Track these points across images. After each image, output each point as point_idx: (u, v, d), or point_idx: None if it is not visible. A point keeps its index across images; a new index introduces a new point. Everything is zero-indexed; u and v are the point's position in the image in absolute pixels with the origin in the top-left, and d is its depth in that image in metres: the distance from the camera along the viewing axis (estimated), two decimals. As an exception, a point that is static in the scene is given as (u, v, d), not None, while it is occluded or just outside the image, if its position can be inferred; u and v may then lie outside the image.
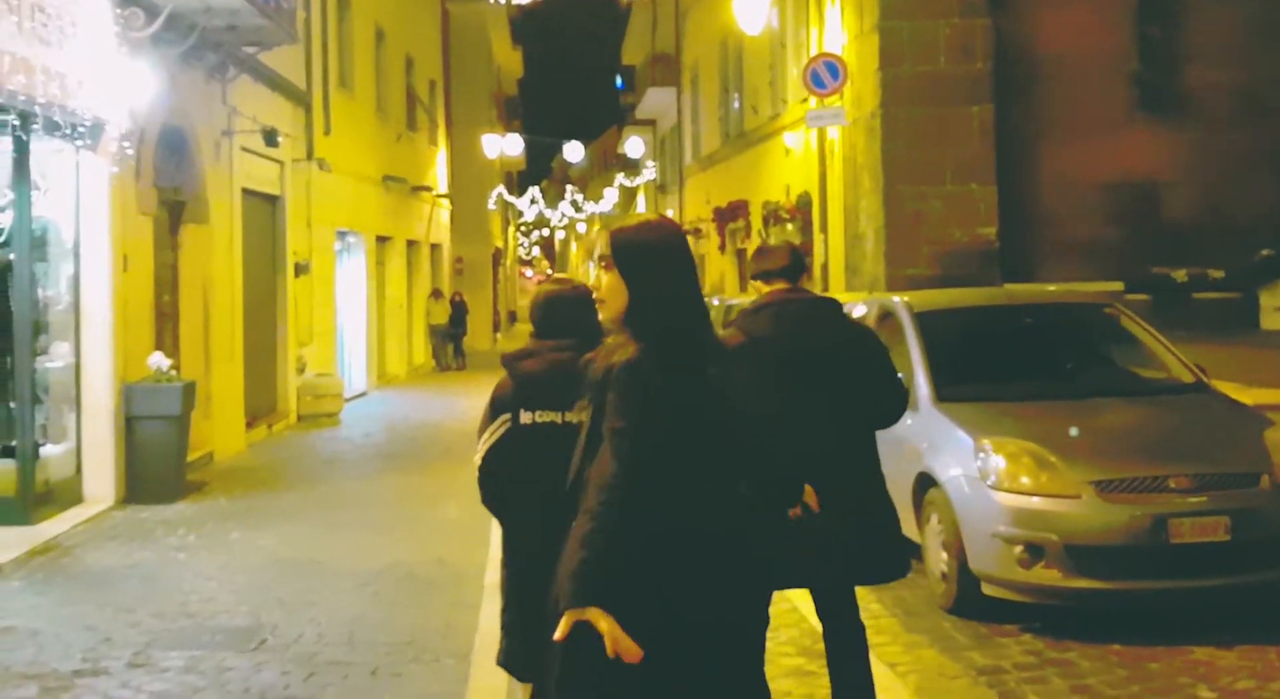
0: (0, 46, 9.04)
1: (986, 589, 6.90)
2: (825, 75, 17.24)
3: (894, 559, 5.10)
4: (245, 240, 15.55)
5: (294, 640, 6.95)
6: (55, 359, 10.98)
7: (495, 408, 4.51)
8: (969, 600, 7.00)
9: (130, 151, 11.56)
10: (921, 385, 7.73)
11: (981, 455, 6.92)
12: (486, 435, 4.49)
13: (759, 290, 5.18)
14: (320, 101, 19.57)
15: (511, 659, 4.50)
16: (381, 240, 25.00)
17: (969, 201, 16.20)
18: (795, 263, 5.16)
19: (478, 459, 4.49)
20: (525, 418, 4.42)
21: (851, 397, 4.92)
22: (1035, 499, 6.69)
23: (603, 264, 3.17)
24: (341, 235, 21.82)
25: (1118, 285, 15.98)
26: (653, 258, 3.16)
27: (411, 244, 28.29)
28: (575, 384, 3.63)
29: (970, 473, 6.94)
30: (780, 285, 5.10)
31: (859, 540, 4.78)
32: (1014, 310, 8.76)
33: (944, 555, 7.14)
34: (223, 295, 14.54)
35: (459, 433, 16.74)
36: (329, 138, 19.76)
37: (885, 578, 5.20)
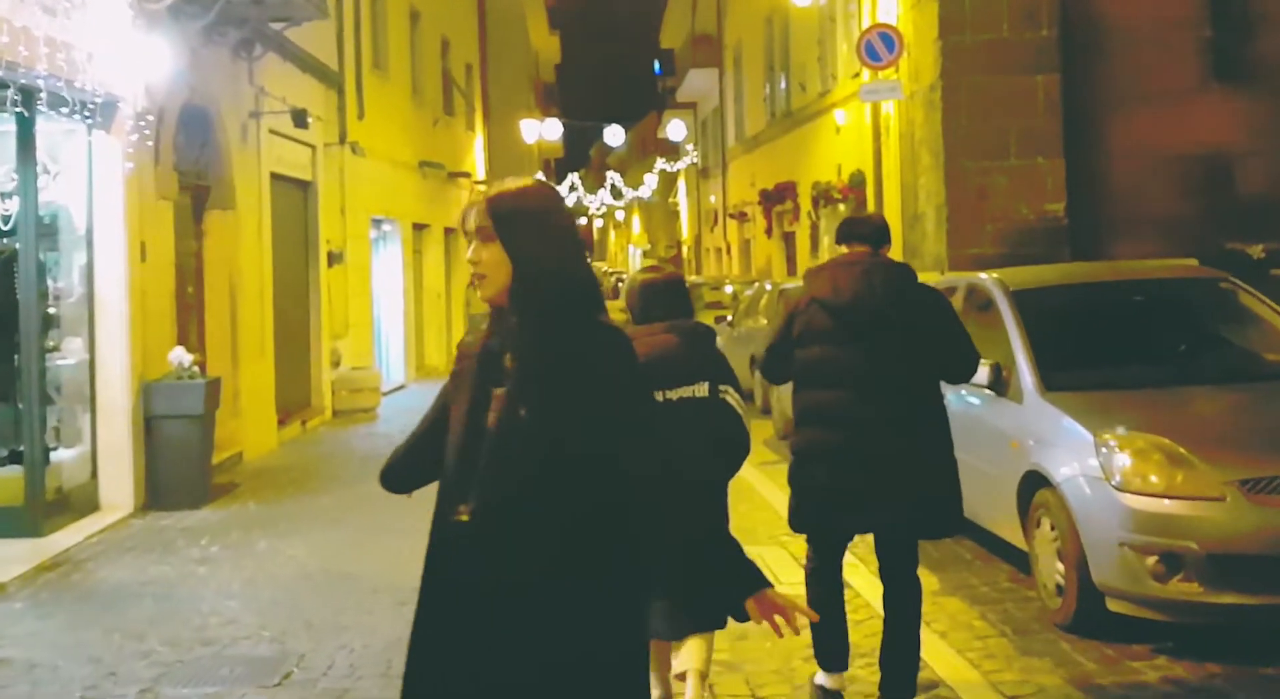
0: (-4, 14, 8.24)
1: (1112, 605, 5.96)
2: (880, 47, 16.30)
3: (945, 514, 5.18)
4: (275, 228, 14.74)
5: (323, 673, 6.10)
6: (68, 356, 10.19)
7: None
8: (1090, 617, 6.07)
9: (148, 132, 10.76)
10: (1025, 373, 6.80)
11: (1104, 451, 5.97)
12: None
13: (841, 252, 5.35)
14: (353, 83, 18.75)
15: (655, 623, 4.57)
16: (418, 228, 24.20)
17: (1035, 176, 15.14)
18: (880, 229, 5.35)
19: None
20: None
21: (905, 355, 5.03)
22: (1169, 501, 5.74)
23: (480, 237, 2.82)
24: (377, 223, 21.01)
25: (1191, 262, 14.94)
26: (537, 225, 2.83)
27: (449, 232, 27.45)
28: (674, 366, 4.51)
29: (1090, 472, 5.99)
30: (860, 248, 5.26)
31: (907, 494, 4.97)
32: (1121, 287, 7.77)
33: (1059, 566, 6.21)
34: (251, 286, 13.74)
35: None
36: (363, 122, 18.94)
37: (938, 533, 5.34)
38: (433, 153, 24.80)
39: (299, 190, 16.57)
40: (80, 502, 10.01)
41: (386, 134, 20.86)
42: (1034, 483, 6.46)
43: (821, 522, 5.18)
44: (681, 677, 4.92)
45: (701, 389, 4.86)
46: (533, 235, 2.81)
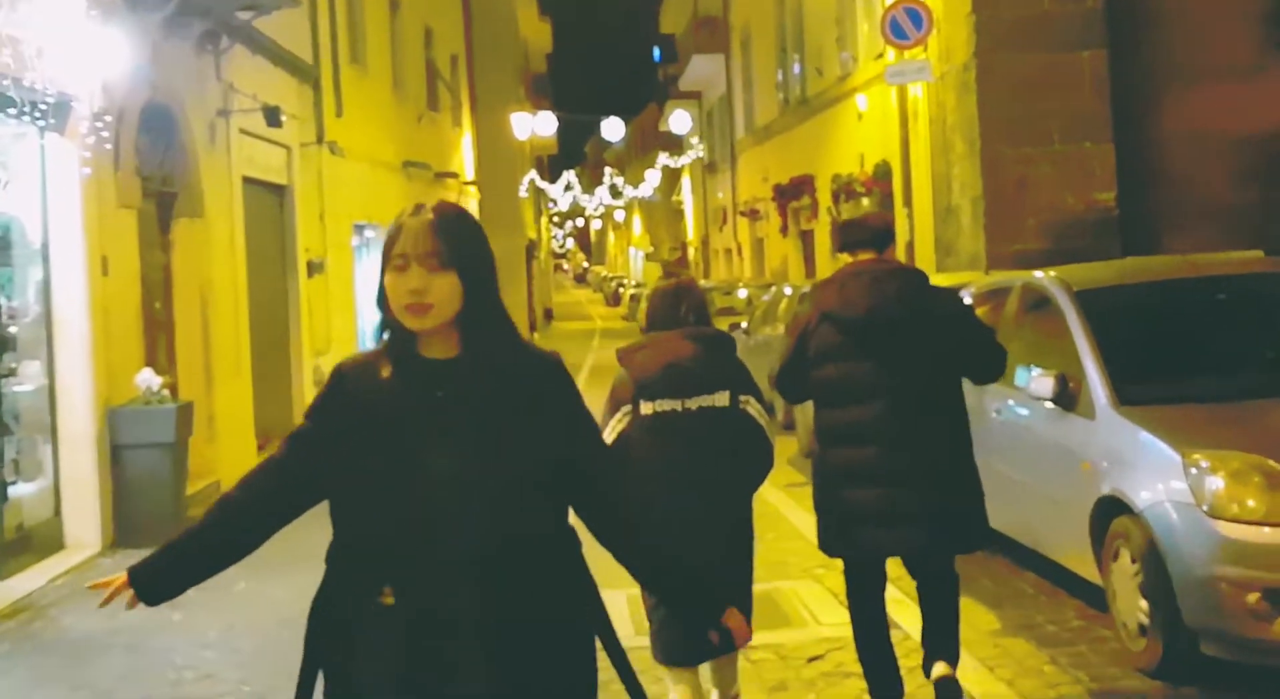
0: (-64, 5, 8.00)
1: (1206, 648, 5.67)
2: (907, 24, 16.03)
3: (973, 527, 5.35)
4: (249, 236, 14.48)
5: (311, 735, 5.81)
6: (24, 381, 9.93)
7: (615, 402, 5.03)
8: (1180, 662, 5.76)
9: (106, 134, 10.49)
10: (1096, 385, 6.50)
11: (1193, 473, 5.67)
12: (608, 432, 4.93)
13: (845, 261, 5.45)
14: (330, 78, 18.50)
15: (657, 647, 5.04)
16: (404, 233, 23.90)
17: (1082, 163, 14.90)
18: (881, 231, 5.43)
19: None
20: (645, 409, 4.96)
21: (924, 365, 5.13)
22: (1270, 530, 5.45)
23: (428, 264, 2.77)
24: (359, 229, 20.74)
25: (1256, 254, 14.67)
26: (486, 250, 2.89)
27: (437, 237, 27.20)
28: (692, 374, 4.83)
29: (1177, 497, 5.69)
30: (866, 256, 5.33)
31: (935, 510, 5.10)
32: (1199, 284, 7.44)
33: (1142, 603, 5.91)
34: (225, 300, 13.48)
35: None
36: (341, 120, 18.69)
37: (963, 549, 5.45)
38: (418, 152, 24.58)
39: (274, 195, 16.31)
40: (43, 540, 9.75)
41: (367, 132, 20.63)
42: (1110, 509, 6.17)
43: (852, 543, 5.28)
44: None
45: (722, 398, 5.00)
46: (484, 261, 2.86)
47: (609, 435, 4.94)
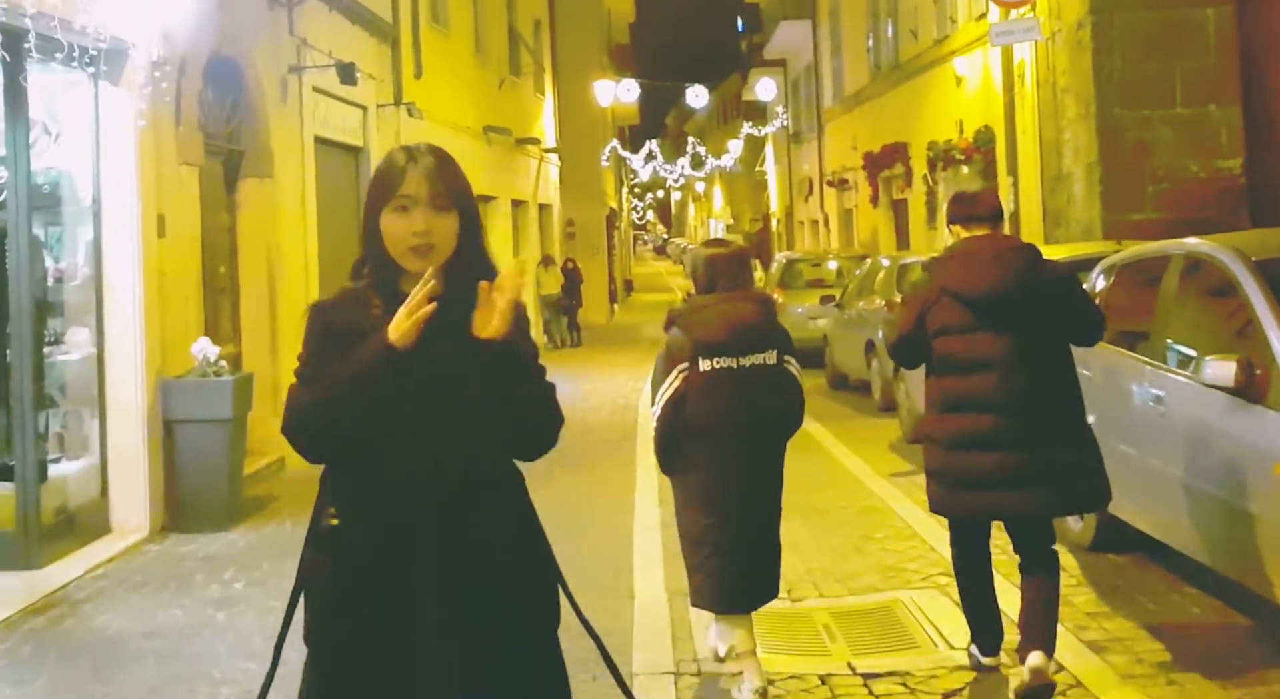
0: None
1: None
2: (1015, -20, 14.77)
3: (1097, 486, 5.41)
4: (321, 200, 13.59)
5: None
6: (71, 350, 9.07)
7: (672, 361, 5.27)
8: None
9: (166, 86, 9.60)
10: (1291, 370, 5.38)
11: None
12: (664, 388, 5.25)
13: (958, 235, 5.53)
14: (409, 38, 17.58)
15: (718, 597, 5.30)
16: (484, 200, 22.98)
17: (1206, 127, 13.62)
18: (998, 208, 5.58)
19: (656, 410, 5.30)
20: (704, 365, 5.21)
21: (1039, 337, 5.27)
22: None
23: (434, 205, 2.88)
24: (438, 194, 19.84)
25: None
26: (473, 197, 3.01)
27: (518, 204, 26.31)
28: (753, 333, 5.25)
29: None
30: (981, 231, 5.46)
31: (1048, 471, 5.21)
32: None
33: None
34: (294, 265, 12.59)
35: (581, 427, 14.69)
36: (420, 82, 17.76)
37: (1084, 508, 5.99)
38: (498, 117, 23.60)
39: (349, 157, 15.46)
40: (87, 524, 8.90)
41: (447, 95, 19.71)
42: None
43: (967, 505, 5.38)
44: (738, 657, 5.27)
45: (771, 356, 5.34)
46: (475, 204, 2.98)
47: (666, 391, 5.24)
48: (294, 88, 12.95)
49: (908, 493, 9.52)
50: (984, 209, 5.53)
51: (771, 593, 5.45)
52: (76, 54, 8.34)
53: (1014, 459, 5.18)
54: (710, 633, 5.46)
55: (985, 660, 5.58)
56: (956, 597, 6.53)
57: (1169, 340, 6.51)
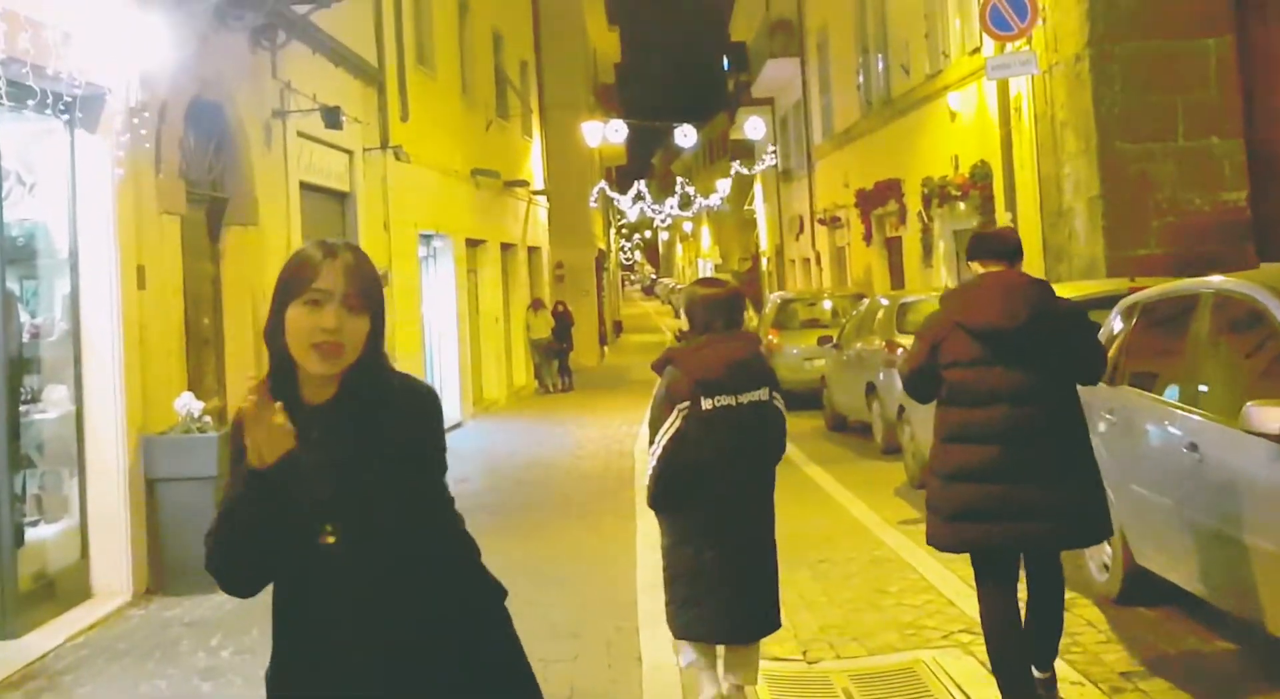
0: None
1: None
2: (1009, 13, 14.59)
3: (1100, 520, 5.47)
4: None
5: None
6: (48, 408, 8.73)
7: (672, 400, 5.32)
8: None
9: (145, 132, 9.32)
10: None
11: None
12: (665, 427, 5.29)
13: (976, 271, 5.64)
14: (395, 81, 17.34)
15: (718, 629, 5.36)
16: (472, 244, 22.76)
17: (1209, 160, 13.42)
18: (1017, 246, 5.69)
19: (657, 449, 5.31)
20: (706, 404, 5.27)
21: (1050, 370, 5.34)
22: None
23: (349, 304, 2.72)
24: (426, 239, 19.60)
25: None
26: (384, 302, 2.86)
27: (507, 248, 26.04)
28: (749, 371, 5.40)
29: None
30: (997, 267, 5.55)
31: (1064, 503, 5.27)
32: None
33: None
34: (279, 315, 12.25)
35: (576, 476, 14.38)
36: (407, 124, 17.50)
37: (1086, 542, 5.78)
38: (486, 159, 23.36)
39: (335, 202, 15.21)
40: (67, 589, 8.55)
41: (434, 138, 19.48)
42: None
43: (971, 537, 5.40)
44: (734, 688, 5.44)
45: (764, 393, 5.46)
46: (384, 315, 2.83)
47: (668, 430, 5.30)
48: (278, 132, 12.70)
49: (918, 542, 9.16)
50: (1003, 245, 5.65)
51: (774, 624, 5.50)
52: (50, 101, 8.07)
53: (1020, 491, 5.24)
54: (683, 652, 5.56)
55: None
56: (982, 656, 6.23)
57: (1202, 384, 6.22)
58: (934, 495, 5.52)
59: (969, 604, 6.68)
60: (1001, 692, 5.36)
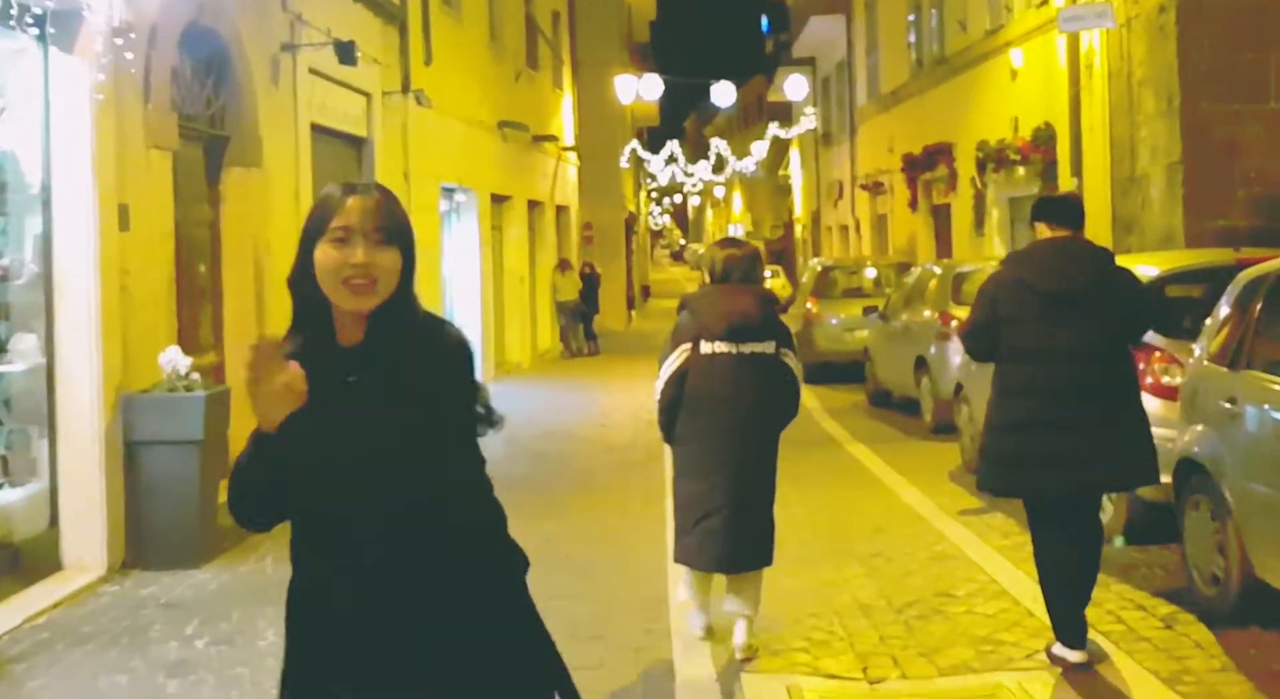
0: None
1: None
2: (1085, -40, 13.61)
3: (1149, 465, 5.77)
4: (318, 193, 12.42)
5: None
6: (15, 359, 7.92)
7: (677, 340, 6.03)
8: None
9: (132, 57, 8.45)
10: None
11: None
12: (668, 364, 6.01)
13: (1041, 232, 5.93)
14: (419, 21, 16.48)
15: (705, 556, 6.01)
16: (498, 199, 21.90)
17: (1303, 124, 12.42)
18: (1081, 212, 6.07)
19: (660, 383, 6.04)
20: (705, 349, 5.94)
21: (1106, 330, 5.68)
22: None
23: (378, 239, 2.71)
24: (448, 192, 18.77)
25: None
26: (414, 239, 2.85)
27: (534, 205, 25.19)
28: (751, 322, 5.93)
29: None
30: (1062, 231, 5.86)
31: (1116, 452, 5.66)
32: None
33: None
34: (285, 266, 11.16)
35: (601, 447, 13.57)
36: (430, 69, 16.65)
37: (1133, 485, 6.21)
38: (514, 112, 22.48)
39: (350, 148, 14.37)
40: (34, 561, 7.77)
41: (459, 86, 18.62)
42: None
43: (1025, 484, 5.77)
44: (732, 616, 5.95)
45: (769, 347, 5.96)
46: (415, 251, 2.83)
47: (670, 367, 5.95)
48: (286, 68, 11.82)
49: (983, 537, 8.33)
50: (1068, 211, 5.99)
51: (763, 559, 6.05)
52: (16, 12, 7.22)
53: (1072, 442, 5.55)
54: (680, 586, 6.30)
55: (1073, 658, 5.63)
56: (1074, 681, 5.39)
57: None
58: (990, 445, 5.90)
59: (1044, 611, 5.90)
60: (1054, 630, 5.72)
